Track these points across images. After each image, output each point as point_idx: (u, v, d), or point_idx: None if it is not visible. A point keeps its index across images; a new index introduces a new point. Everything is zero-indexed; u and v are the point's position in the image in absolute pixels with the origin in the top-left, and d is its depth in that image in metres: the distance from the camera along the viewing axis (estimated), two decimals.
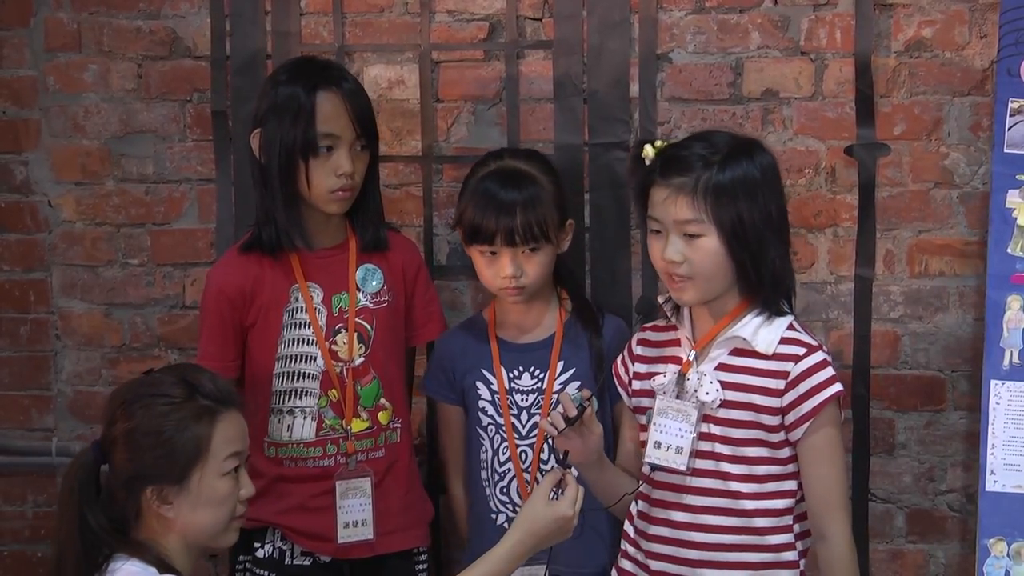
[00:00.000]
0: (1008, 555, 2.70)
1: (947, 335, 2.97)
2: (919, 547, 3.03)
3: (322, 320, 2.69)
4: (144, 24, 3.10)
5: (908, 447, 3.01)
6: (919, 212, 2.96)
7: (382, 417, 2.72)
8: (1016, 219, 2.76)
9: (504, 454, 2.75)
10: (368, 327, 2.72)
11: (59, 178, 3.16)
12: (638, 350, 2.53)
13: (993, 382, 2.74)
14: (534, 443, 2.73)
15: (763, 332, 2.36)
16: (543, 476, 2.40)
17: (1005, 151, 2.78)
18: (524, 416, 2.73)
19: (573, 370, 2.73)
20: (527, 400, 2.74)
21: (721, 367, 2.38)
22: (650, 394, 2.44)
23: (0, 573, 3.25)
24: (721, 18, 2.97)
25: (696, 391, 2.37)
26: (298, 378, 2.68)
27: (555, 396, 2.68)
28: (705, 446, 2.38)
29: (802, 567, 2.40)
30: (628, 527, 2.50)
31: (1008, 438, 2.72)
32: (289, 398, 2.68)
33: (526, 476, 2.73)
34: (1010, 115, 2.77)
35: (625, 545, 2.51)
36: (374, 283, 2.74)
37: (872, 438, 2.97)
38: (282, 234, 2.64)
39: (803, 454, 2.36)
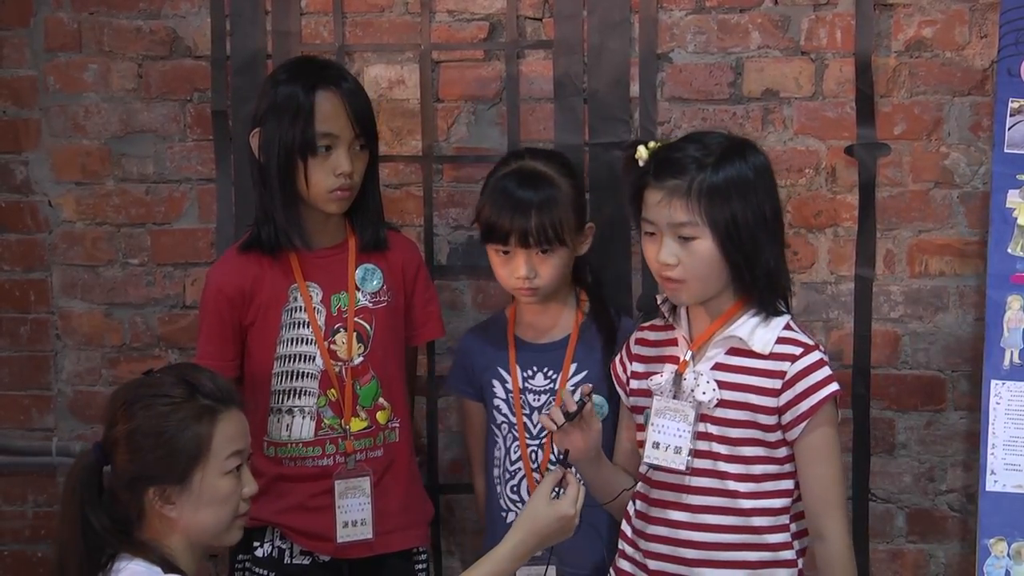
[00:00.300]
0: (1008, 555, 2.70)
1: (947, 335, 2.97)
2: (919, 547, 3.03)
3: (321, 320, 2.69)
4: (144, 24, 3.10)
5: (908, 447, 3.01)
6: (919, 212, 2.96)
7: (380, 417, 2.71)
8: (1016, 219, 2.76)
9: (516, 453, 2.75)
10: (367, 327, 2.71)
11: (59, 178, 3.16)
12: (636, 349, 2.53)
13: (993, 382, 2.74)
14: (544, 443, 2.73)
15: (760, 332, 2.36)
16: (543, 475, 2.40)
17: (1005, 151, 2.78)
18: (536, 416, 2.73)
19: (586, 372, 2.72)
20: (539, 400, 2.74)
21: (718, 367, 2.38)
22: (648, 394, 2.44)
23: (0, 573, 3.25)
24: (721, 18, 2.97)
25: (693, 391, 2.37)
26: (297, 377, 2.68)
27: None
28: (702, 446, 2.38)
29: (800, 566, 2.40)
30: (626, 527, 2.50)
31: (1008, 438, 2.72)
32: (288, 397, 2.68)
33: (536, 476, 2.73)
34: (1010, 115, 2.77)
35: (623, 545, 2.51)
36: (373, 283, 2.74)
37: (872, 438, 2.97)
38: (281, 233, 2.64)
39: (800, 454, 2.36)
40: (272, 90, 2.63)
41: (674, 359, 2.44)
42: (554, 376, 2.74)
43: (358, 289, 2.72)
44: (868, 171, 2.93)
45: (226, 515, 2.23)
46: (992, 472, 2.72)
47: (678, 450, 2.37)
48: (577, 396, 2.35)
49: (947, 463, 3.00)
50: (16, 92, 3.15)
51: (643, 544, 2.44)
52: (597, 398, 2.66)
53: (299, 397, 2.68)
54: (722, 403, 2.36)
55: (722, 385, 2.36)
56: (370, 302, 2.73)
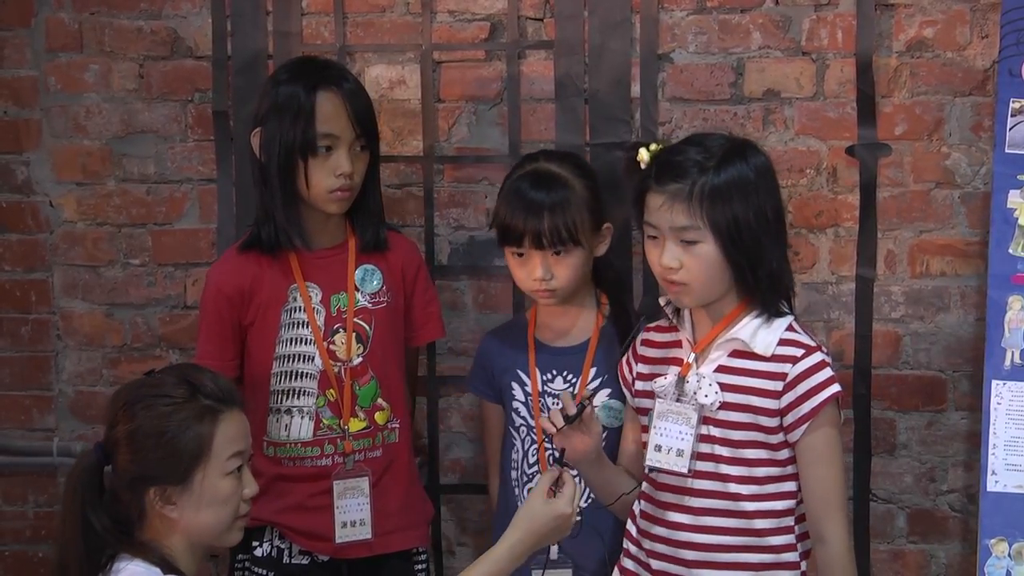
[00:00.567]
0: (1009, 555, 2.69)
1: (948, 335, 2.97)
2: (920, 547, 3.03)
3: (320, 320, 2.69)
4: (145, 24, 3.10)
5: (909, 447, 3.01)
6: (920, 212, 2.96)
7: (379, 417, 2.71)
8: (1017, 219, 2.76)
9: (533, 456, 2.75)
10: (366, 327, 2.71)
11: (60, 178, 3.16)
12: (641, 350, 2.53)
13: (994, 382, 2.73)
14: None
15: (762, 334, 2.36)
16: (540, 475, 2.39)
17: (1006, 151, 2.77)
18: None
19: (605, 376, 2.71)
20: (558, 404, 2.73)
21: (720, 369, 2.38)
22: (652, 395, 2.44)
23: (1, 573, 3.25)
24: (722, 18, 2.97)
25: (695, 393, 2.37)
26: (296, 378, 2.68)
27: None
28: (705, 448, 2.38)
29: (803, 568, 2.40)
30: (631, 526, 2.50)
31: (1009, 438, 2.72)
32: (287, 398, 2.68)
33: None
34: (1011, 115, 2.77)
35: (628, 544, 2.51)
36: (373, 283, 2.74)
37: (873, 438, 2.97)
38: (281, 233, 2.64)
39: (802, 455, 2.36)
40: (273, 90, 2.63)
41: (678, 361, 2.44)
42: (574, 380, 2.73)
43: (357, 290, 2.72)
44: (869, 171, 2.93)
45: (227, 516, 2.23)
46: (993, 472, 2.72)
47: (680, 453, 2.37)
48: (578, 399, 2.34)
49: (948, 463, 3.00)
50: (17, 92, 3.16)
51: (646, 544, 2.45)
52: (615, 403, 2.66)
53: (298, 397, 2.68)
54: (724, 405, 2.36)
55: (724, 387, 2.36)
56: (369, 303, 2.73)
